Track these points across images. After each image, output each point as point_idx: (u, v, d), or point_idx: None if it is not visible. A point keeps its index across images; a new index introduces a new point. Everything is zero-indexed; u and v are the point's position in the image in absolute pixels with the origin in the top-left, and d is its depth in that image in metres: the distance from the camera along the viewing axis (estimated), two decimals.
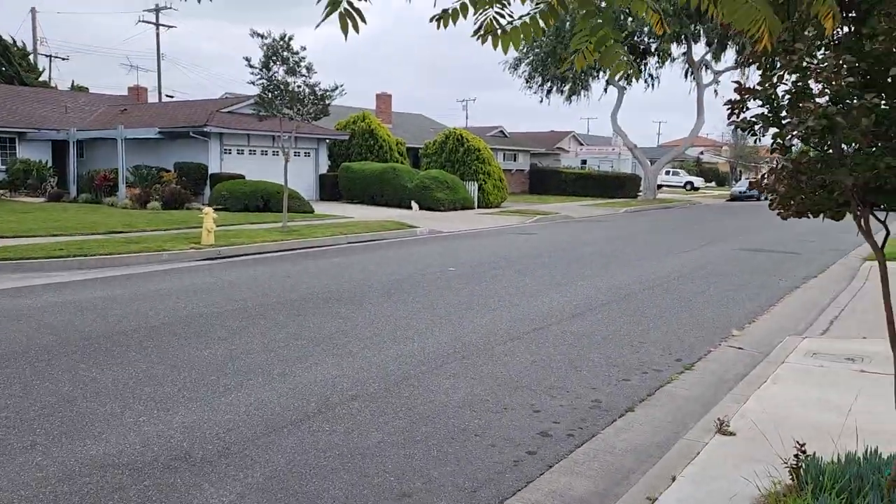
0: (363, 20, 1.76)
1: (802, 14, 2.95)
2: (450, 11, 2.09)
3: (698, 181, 63.74)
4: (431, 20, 2.10)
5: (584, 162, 55.25)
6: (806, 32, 3.29)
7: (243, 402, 5.77)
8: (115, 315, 8.80)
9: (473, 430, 5.31)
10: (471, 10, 2.09)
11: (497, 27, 2.10)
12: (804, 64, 3.18)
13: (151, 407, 5.61)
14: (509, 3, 2.11)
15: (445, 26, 2.12)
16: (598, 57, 2.17)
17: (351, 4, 1.74)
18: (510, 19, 2.13)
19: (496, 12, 2.11)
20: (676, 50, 41.30)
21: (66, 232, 16.29)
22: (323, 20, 1.76)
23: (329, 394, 6.02)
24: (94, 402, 5.69)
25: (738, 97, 3.38)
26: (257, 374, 6.52)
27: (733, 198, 45.45)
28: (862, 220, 3.39)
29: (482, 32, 2.11)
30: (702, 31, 37.83)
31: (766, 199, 3.72)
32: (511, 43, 2.13)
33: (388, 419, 5.47)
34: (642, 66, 41.52)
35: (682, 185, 62.08)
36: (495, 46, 2.13)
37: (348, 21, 1.76)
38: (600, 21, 2.05)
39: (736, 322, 9.21)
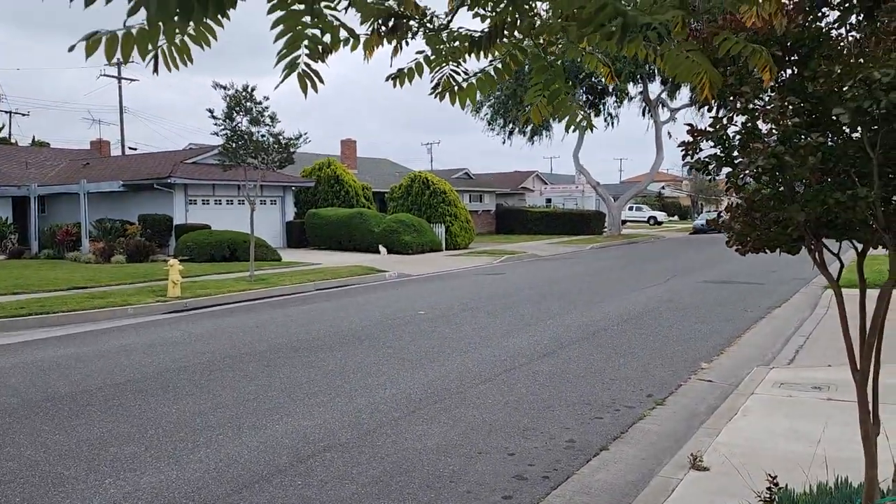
0: (321, 80, 1.80)
1: (741, 68, 3.08)
2: (405, 71, 2.16)
3: (661, 215, 64.93)
4: (388, 79, 2.15)
5: (548, 200, 55.96)
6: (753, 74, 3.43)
7: (213, 458, 5.63)
8: (80, 373, 8.58)
9: (448, 476, 5.24)
10: (426, 69, 2.15)
11: (454, 84, 2.17)
12: (751, 106, 3.30)
13: (117, 468, 5.45)
14: (465, 61, 2.18)
15: (402, 85, 2.17)
16: (552, 109, 2.24)
17: (308, 66, 1.78)
18: (465, 76, 2.19)
19: (451, 70, 2.18)
20: (633, 89, 42.43)
21: (28, 289, 15.91)
22: (281, 81, 1.79)
23: (301, 445, 5.91)
24: (58, 466, 5.50)
25: (690, 139, 3.49)
26: (227, 428, 6.38)
27: (696, 231, 46.31)
28: (816, 254, 3.49)
29: (440, 90, 2.17)
30: (656, 71, 38.99)
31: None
32: (468, 98, 2.19)
33: (362, 469, 5.38)
34: (601, 106, 42.54)
35: (645, 219, 63.14)
36: (452, 102, 2.19)
37: (307, 81, 1.80)
38: (550, 75, 2.12)
39: (704, 355, 9.31)
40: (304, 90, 1.80)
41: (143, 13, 1.33)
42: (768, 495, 3.96)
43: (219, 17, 1.51)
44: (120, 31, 1.41)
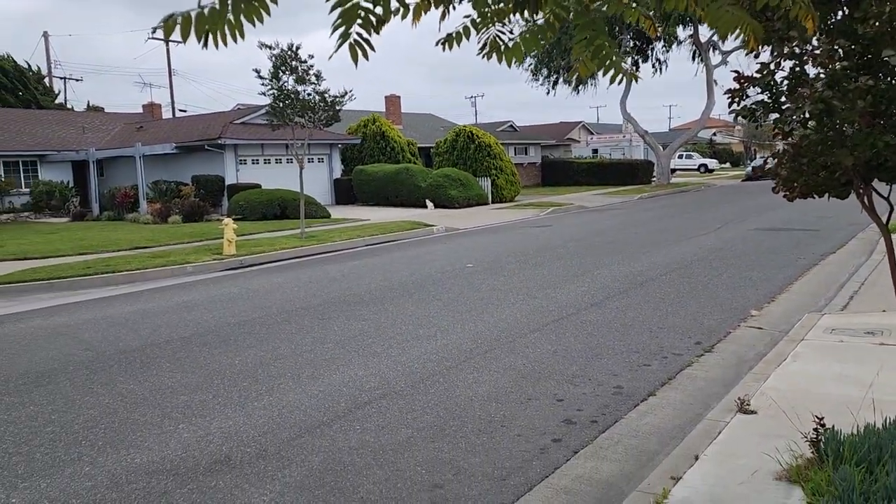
0: (372, 48, 1.89)
1: (782, 19, 3.05)
2: (454, 35, 2.23)
3: (712, 163, 63.31)
4: (437, 44, 2.24)
5: (595, 151, 55.09)
6: None
7: (276, 405, 5.95)
8: (147, 328, 9.04)
9: (499, 421, 5.45)
10: (473, 32, 2.23)
11: (500, 44, 2.24)
12: (798, 50, 3.27)
13: (189, 414, 5.81)
14: (510, 21, 2.24)
15: (451, 48, 2.25)
16: (597, 63, 2.29)
17: (360, 35, 1.88)
18: (511, 36, 2.26)
19: (497, 31, 2.25)
20: (683, 32, 41.05)
21: (93, 250, 16.63)
22: (336, 51, 1.90)
23: (357, 393, 6.18)
24: (134, 413, 5.90)
25: (737, 86, 3.48)
26: (287, 378, 6.70)
27: (748, 178, 45.09)
28: (865, 198, 3.48)
29: (487, 50, 2.24)
30: None
31: None
32: (514, 57, 2.26)
33: (416, 415, 5.62)
34: (649, 51, 41.32)
35: (695, 167, 61.69)
36: (500, 61, 2.26)
37: (358, 51, 1.91)
38: (595, 31, 2.17)
39: (754, 302, 9.25)
40: (355, 59, 1.90)
41: None
42: (815, 436, 4.03)
43: None
44: (193, 12, 1.53)
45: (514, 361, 6.99)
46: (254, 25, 1.79)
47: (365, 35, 1.86)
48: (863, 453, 3.85)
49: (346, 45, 1.92)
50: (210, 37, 1.75)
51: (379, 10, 1.81)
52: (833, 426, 4.12)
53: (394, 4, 1.89)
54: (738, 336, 7.75)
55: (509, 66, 2.29)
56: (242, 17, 1.78)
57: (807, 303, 9.12)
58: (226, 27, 1.79)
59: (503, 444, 5.02)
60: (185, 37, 1.56)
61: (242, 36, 1.80)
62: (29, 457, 5.08)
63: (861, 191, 3.47)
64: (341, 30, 1.81)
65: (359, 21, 1.81)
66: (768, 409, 5.10)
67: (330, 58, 1.88)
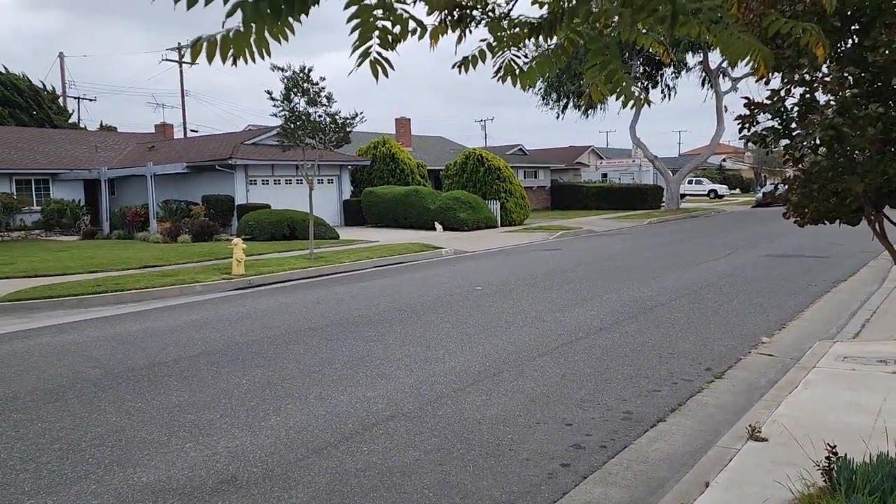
0: (391, 66, 1.95)
1: (792, 47, 3.09)
2: (469, 58, 2.29)
3: (722, 189, 63.31)
4: (454, 67, 2.29)
5: (604, 175, 55.22)
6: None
7: (283, 425, 5.95)
8: (155, 346, 9.08)
9: (507, 444, 5.43)
10: (489, 55, 2.28)
11: (515, 67, 2.29)
12: (809, 78, 3.31)
13: (195, 433, 5.82)
14: (525, 45, 2.30)
15: (466, 71, 2.31)
16: (610, 88, 2.33)
17: (380, 55, 1.93)
18: (525, 60, 2.31)
19: (513, 55, 2.30)
20: (692, 59, 41.31)
21: (102, 268, 16.74)
22: (356, 67, 1.95)
23: (365, 415, 6.17)
24: (141, 431, 5.91)
25: (747, 112, 3.51)
26: (295, 398, 6.70)
27: (759, 204, 45.03)
28: (876, 225, 3.49)
29: (502, 73, 2.29)
30: None
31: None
32: (528, 80, 2.31)
33: (424, 437, 5.61)
34: (658, 77, 41.57)
35: (705, 193, 61.68)
36: (514, 85, 2.31)
37: (378, 68, 1.96)
38: (607, 56, 2.22)
39: (765, 329, 9.21)
40: (376, 75, 1.96)
41: (237, 15, 1.50)
42: (827, 464, 3.99)
43: (301, 14, 1.67)
44: (219, 35, 1.59)
45: (523, 385, 6.97)
46: (280, 43, 1.85)
47: (384, 53, 1.91)
48: (876, 482, 3.82)
49: (366, 63, 1.98)
50: (234, 57, 1.81)
51: (397, 29, 1.87)
52: (845, 454, 4.09)
53: (411, 25, 1.95)
54: (748, 363, 7.71)
55: (524, 89, 2.34)
56: (267, 35, 1.83)
57: (818, 330, 9.07)
58: (252, 46, 1.84)
59: (511, 468, 5.00)
60: (210, 59, 1.62)
61: (269, 54, 1.85)
62: (36, 474, 5.09)
63: (872, 217, 3.48)
64: (361, 49, 1.87)
65: (377, 40, 1.87)
66: (780, 437, 5.06)
67: (350, 74, 1.94)
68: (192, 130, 46.14)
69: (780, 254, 17.49)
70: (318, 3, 1.66)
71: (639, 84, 39.97)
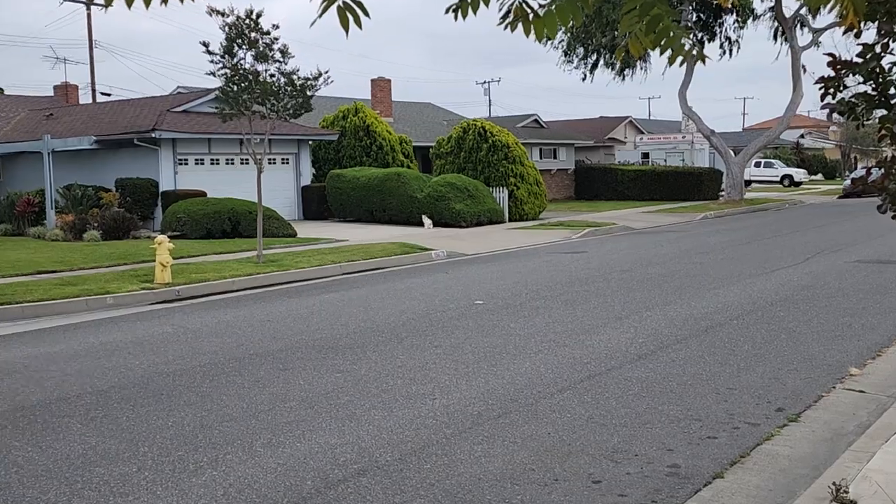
0: (366, 14, 1.93)
1: None
2: (468, 0, 2.26)
3: (799, 174, 63.62)
4: (448, 11, 2.26)
5: (645, 155, 55.38)
6: None
7: (221, 482, 5.94)
8: (53, 378, 9.05)
9: None
10: None
11: (529, 11, 2.27)
12: None
13: (105, 492, 5.79)
14: None
15: (465, 16, 2.28)
16: (653, 39, 2.32)
17: None
18: (542, 1, 2.29)
19: None
20: (761, 4, 41.51)
21: None
22: (320, 15, 1.94)
23: (329, 468, 6.17)
24: (32, 490, 5.88)
25: (832, 73, 3.52)
26: (236, 446, 6.69)
27: (846, 193, 45.25)
28: None
29: (511, 19, 2.27)
30: None
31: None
32: (546, 29, 2.29)
33: (405, 498, 5.60)
34: (717, 28, 41.73)
35: (777, 179, 61.99)
36: (527, 33, 2.29)
37: (349, 15, 1.94)
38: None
39: (854, 358, 9.26)
40: (346, 26, 1.93)
41: None
42: None
43: None
44: None
45: (537, 430, 6.98)
46: None
47: None
48: None
49: (333, 9, 1.94)
50: None
51: None
52: None
53: None
54: (832, 401, 7.74)
55: (540, 40, 2.32)
56: None
57: None
58: None
59: None
60: None
61: None
62: None
63: None
64: None
65: None
66: (872, 499, 5.08)
67: (312, 25, 1.92)
68: (102, 94, 46.06)
69: (873, 259, 17.57)
70: None
71: (691, 36, 40.14)
